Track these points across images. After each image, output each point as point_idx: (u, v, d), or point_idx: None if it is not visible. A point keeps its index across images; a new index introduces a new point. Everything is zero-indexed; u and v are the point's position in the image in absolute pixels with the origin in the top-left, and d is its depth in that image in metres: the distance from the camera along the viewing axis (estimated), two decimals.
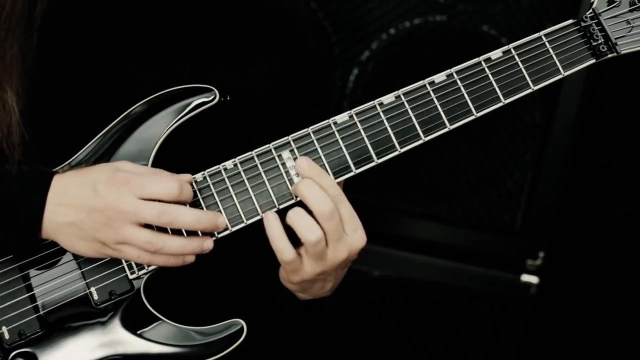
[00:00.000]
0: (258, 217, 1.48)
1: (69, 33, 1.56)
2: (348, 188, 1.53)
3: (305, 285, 1.51)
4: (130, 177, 1.42)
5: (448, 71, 1.51)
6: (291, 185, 1.48)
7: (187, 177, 1.47)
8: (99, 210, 1.41)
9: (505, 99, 1.51)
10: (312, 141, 1.49)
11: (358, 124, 1.50)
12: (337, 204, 1.45)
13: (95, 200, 1.41)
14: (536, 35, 1.52)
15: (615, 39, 1.51)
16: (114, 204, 1.40)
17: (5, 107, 1.49)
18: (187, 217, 1.43)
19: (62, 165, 1.51)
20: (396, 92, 1.50)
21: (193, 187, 1.48)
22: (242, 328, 1.49)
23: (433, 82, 1.51)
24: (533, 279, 2.59)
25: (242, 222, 1.48)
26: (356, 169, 1.50)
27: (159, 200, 1.42)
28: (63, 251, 1.49)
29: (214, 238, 1.47)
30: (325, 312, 1.61)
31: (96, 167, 1.46)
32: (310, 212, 1.45)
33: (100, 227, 1.42)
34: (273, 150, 1.49)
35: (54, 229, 1.44)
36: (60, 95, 1.55)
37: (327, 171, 1.49)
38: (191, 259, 1.45)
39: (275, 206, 1.48)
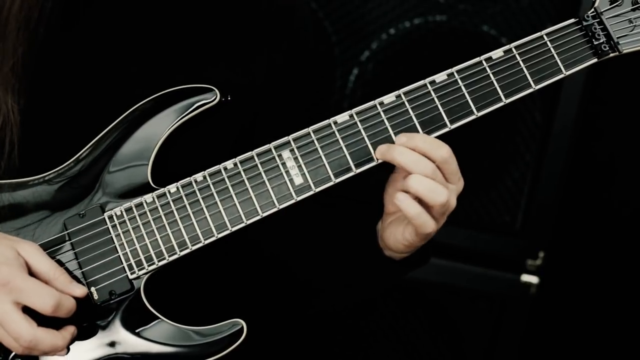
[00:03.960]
0: (258, 217, 1.48)
1: (68, 32, 1.55)
2: (348, 188, 1.53)
3: (418, 243, 1.51)
4: (13, 276, 1.38)
5: (449, 70, 1.50)
6: (291, 186, 1.48)
7: (80, 290, 1.44)
8: None
9: (506, 99, 1.50)
10: (313, 141, 1.49)
11: (358, 123, 1.49)
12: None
13: None
14: (537, 34, 1.51)
15: (617, 38, 1.51)
16: None
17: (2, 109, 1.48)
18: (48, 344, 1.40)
19: (61, 166, 1.50)
20: (397, 91, 1.50)
21: (193, 187, 1.48)
22: (242, 328, 1.48)
23: (434, 81, 1.50)
24: (533, 279, 2.59)
25: (242, 222, 1.48)
26: (357, 169, 1.49)
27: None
28: (63, 251, 1.48)
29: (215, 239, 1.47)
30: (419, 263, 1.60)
31: None
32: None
33: None
34: (273, 150, 1.49)
35: None
36: (59, 95, 1.55)
37: (328, 172, 1.48)
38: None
39: (275, 206, 1.48)
